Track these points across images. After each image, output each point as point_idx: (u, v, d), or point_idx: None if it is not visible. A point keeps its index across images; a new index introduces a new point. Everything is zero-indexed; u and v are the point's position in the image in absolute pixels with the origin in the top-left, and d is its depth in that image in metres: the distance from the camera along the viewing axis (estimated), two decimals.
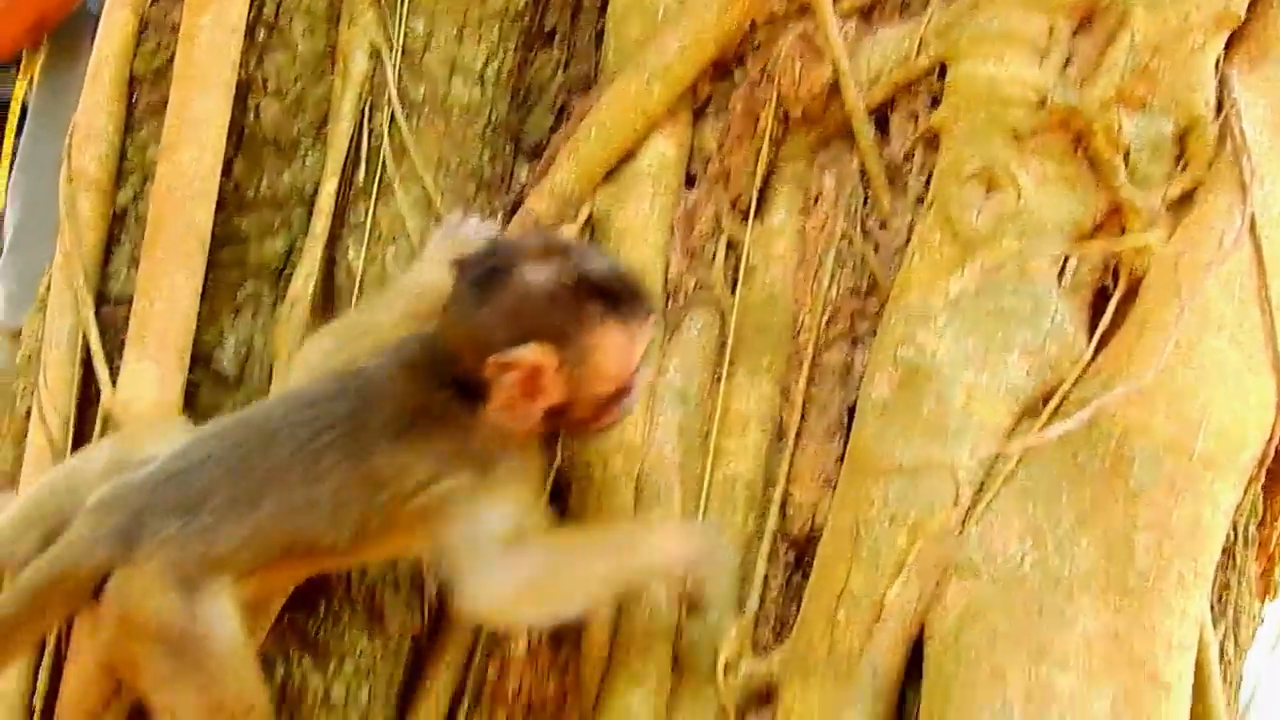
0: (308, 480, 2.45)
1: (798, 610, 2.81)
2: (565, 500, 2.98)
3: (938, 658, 2.62)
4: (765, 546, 2.90)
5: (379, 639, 2.91)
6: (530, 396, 2.45)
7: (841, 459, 2.88)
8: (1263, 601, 3.10)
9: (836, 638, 2.67)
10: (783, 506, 2.92)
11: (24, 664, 2.80)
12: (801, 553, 2.89)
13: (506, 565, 2.44)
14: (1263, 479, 2.86)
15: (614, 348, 2.49)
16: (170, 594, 2.40)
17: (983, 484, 2.68)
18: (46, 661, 2.81)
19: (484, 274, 2.46)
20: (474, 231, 2.92)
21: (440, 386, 2.49)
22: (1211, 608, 2.75)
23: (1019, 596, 2.56)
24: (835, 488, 2.85)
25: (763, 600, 2.88)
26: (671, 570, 2.71)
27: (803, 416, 2.95)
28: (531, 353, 2.39)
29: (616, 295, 2.49)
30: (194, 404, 3.00)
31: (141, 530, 2.41)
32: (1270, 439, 2.67)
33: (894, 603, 2.66)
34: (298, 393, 2.58)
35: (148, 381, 2.89)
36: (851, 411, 2.90)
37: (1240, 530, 2.91)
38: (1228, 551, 2.85)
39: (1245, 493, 2.72)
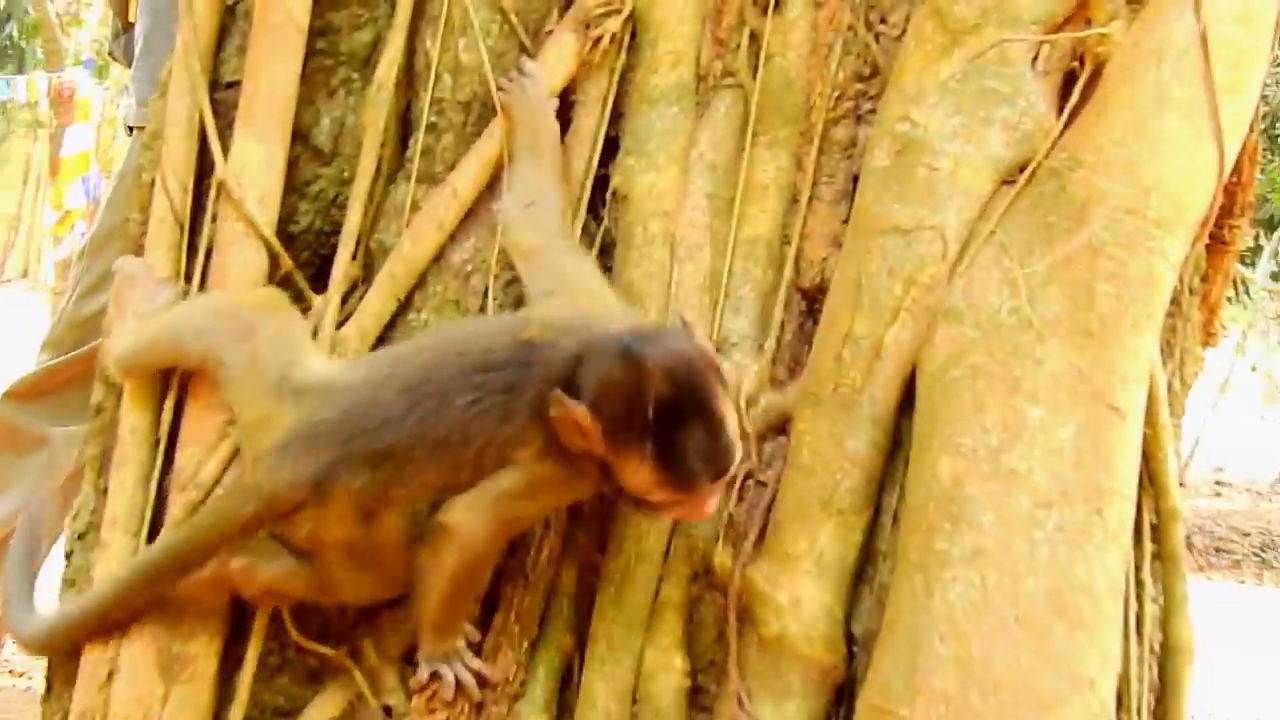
0: (463, 442, 2.80)
1: (809, 351, 3.14)
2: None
3: (927, 391, 2.98)
4: (781, 296, 3.22)
5: None
6: (580, 441, 2.70)
7: (847, 221, 3.19)
8: (1204, 346, 3.41)
9: (841, 374, 3.02)
10: (797, 262, 3.24)
11: None
12: (812, 302, 3.21)
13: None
14: (1205, 238, 3.19)
15: (643, 483, 2.73)
16: (355, 525, 2.85)
17: (967, 241, 3.00)
18: None
19: (627, 356, 2.69)
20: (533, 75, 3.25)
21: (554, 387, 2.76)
22: (1161, 349, 3.09)
23: (997, 339, 2.90)
24: (841, 245, 3.16)
25: (779, 343, 3.21)
26: None
27: (814, 184, 3.25)
28: (576, 409, 2.67)
29: (673, 459, 2.69)
30: (295, 175, 3.35)
31: (335, 480, 2.80)
32: (1212, 202, 2.97)
33: (890, 344, 2.99)
34: (470, 350, 2.85)
35: (255, 155, 3.22)
36: (856, 179, 3.19)
37: (1185, 282, 3.21)
38: (1175, 300, 3.14)
39: (1191, 248, 3.03)
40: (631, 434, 2.67)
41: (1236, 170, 3.43)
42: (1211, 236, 3.32)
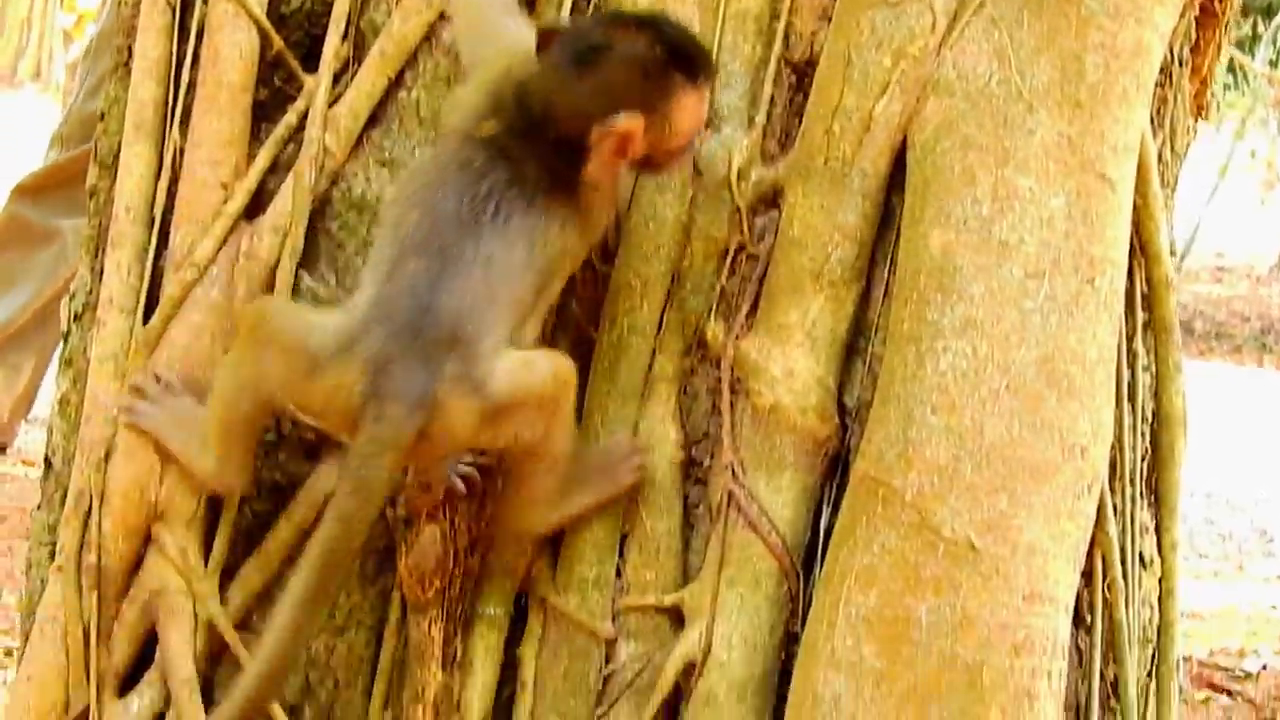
0: (510, 246, 2.80)
1: (799, 125, 3.14)
2: None
3: (918, 164, 2.99)
4: (771, 70, 3.19)
5: None
6: (621, 156, 2.80)
7: None
8: (1195, 118, 3.42)
9: (832, 148, 3.02)
10: (786, 36, 3.20)
11: None
12: (802, 76, 3.19)
13: None
14: (1197, 9, 3.19)
15: (691, 110, 2.83)
16: (474, 408, 2.77)
17: (956, 13, 2.98)
18: None
19: (584, 50, 2.77)
20: None
21: (548, 151, 2.82)
22: (1152, 120, 3.11)
23: (987, 110, 2.90)
24: (831, 19, 3.13)
25: (769, 117, 3.19)
26: None
27: None
28: (625, 121, 2.73)
29: (695, 65, 2.82)
30: None
31: (431, 388, 2.71)
32: None
33: (880, 116, 2.99)
34: (451, 168, 2.85)
35: None
36: None
37: (1175, 53, 3.22)
38: (1165, 71, 3.15)
39: (1181, 18, 3.05)
40: (660, 88, 2.80)
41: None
42: (1201, 7, 3.33)
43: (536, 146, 2.84)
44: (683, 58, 2.81)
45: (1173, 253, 3.26)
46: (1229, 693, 6.42)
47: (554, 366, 2.90)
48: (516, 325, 2.87)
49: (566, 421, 2.95)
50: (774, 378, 3.03)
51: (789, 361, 3.03)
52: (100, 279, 3.24)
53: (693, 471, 3.20)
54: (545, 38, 2.86)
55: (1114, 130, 2.91)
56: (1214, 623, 7.30)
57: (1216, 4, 3.41)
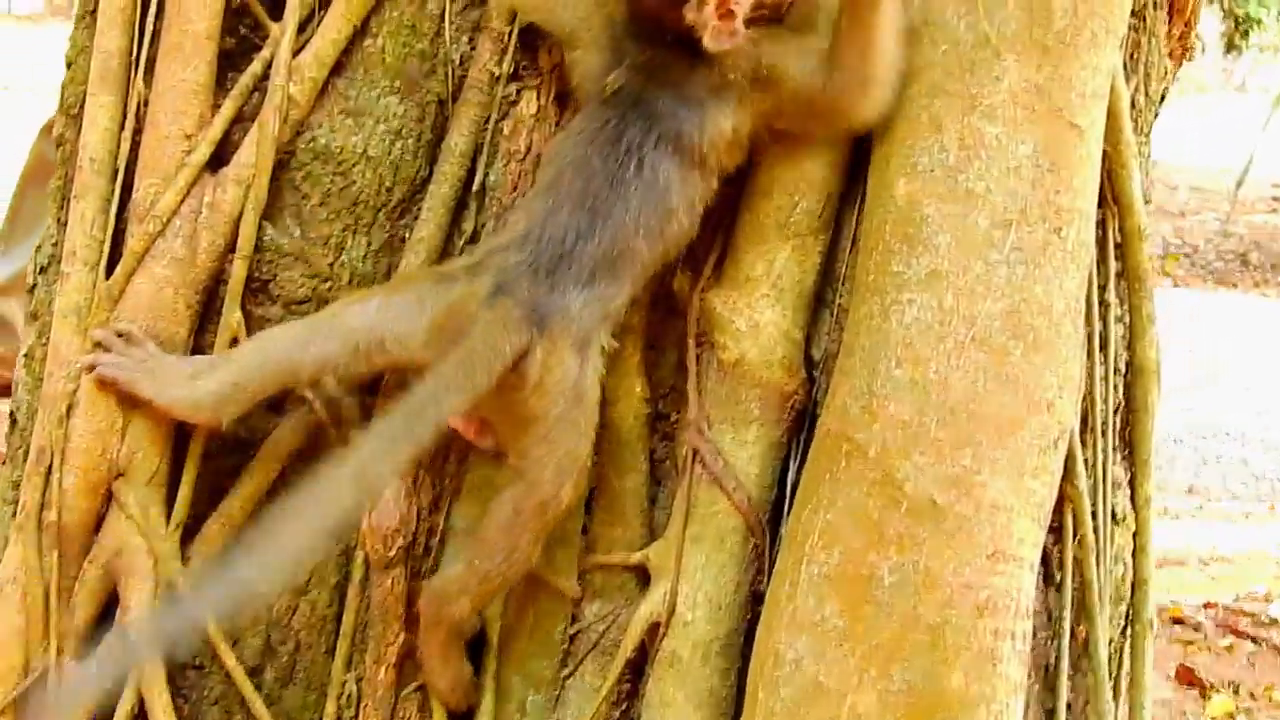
0: (654, 196, 2.82)
1: None
2: None
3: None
4: None
5: (410, 103, 3.21)
6: (729, 16, 2.73)
7: None
8: (1181, 60, 3.37)
9: None
10: None
11: None
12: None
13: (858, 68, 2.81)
14: None
15: None
16: (574, 358, 2.80)
17: None
18: None
19: None
20: None
21: (667, 56, 2.83)
22: (1124, 65, 3.05)
23: (953, 56, 2.84)
24: None
25: None
26: None
27: None
28: None
29: None
30: None
31: (549, 313, 2.75)
32: None
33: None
34: (592, 132, 2.88)
35: None
36: None
37: None
38: (1138, 14, 3.11)
39: None
40: None
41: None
42: None
43: (661, 69, 2.86)
44: None
45: (1147, 200, 3.20)
46: (1254, 639, 6.34)
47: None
48: (641, 287, 2.94)
49: (579, 480, 2.95)
50: (739, 331, 3.00)
51: (754, 314, 3.00)
52: (65, 231, 3.19)
53: (660, 426, 3.19)
54: None
55: (1082, 76, 2.84)
56: (1242, 566, 7.22)
57: None
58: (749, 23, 2.79)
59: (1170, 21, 3.24)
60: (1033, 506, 2.79)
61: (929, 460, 2.74)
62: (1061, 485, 2.98)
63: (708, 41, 2.76)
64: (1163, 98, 3.32)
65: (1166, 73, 3.30)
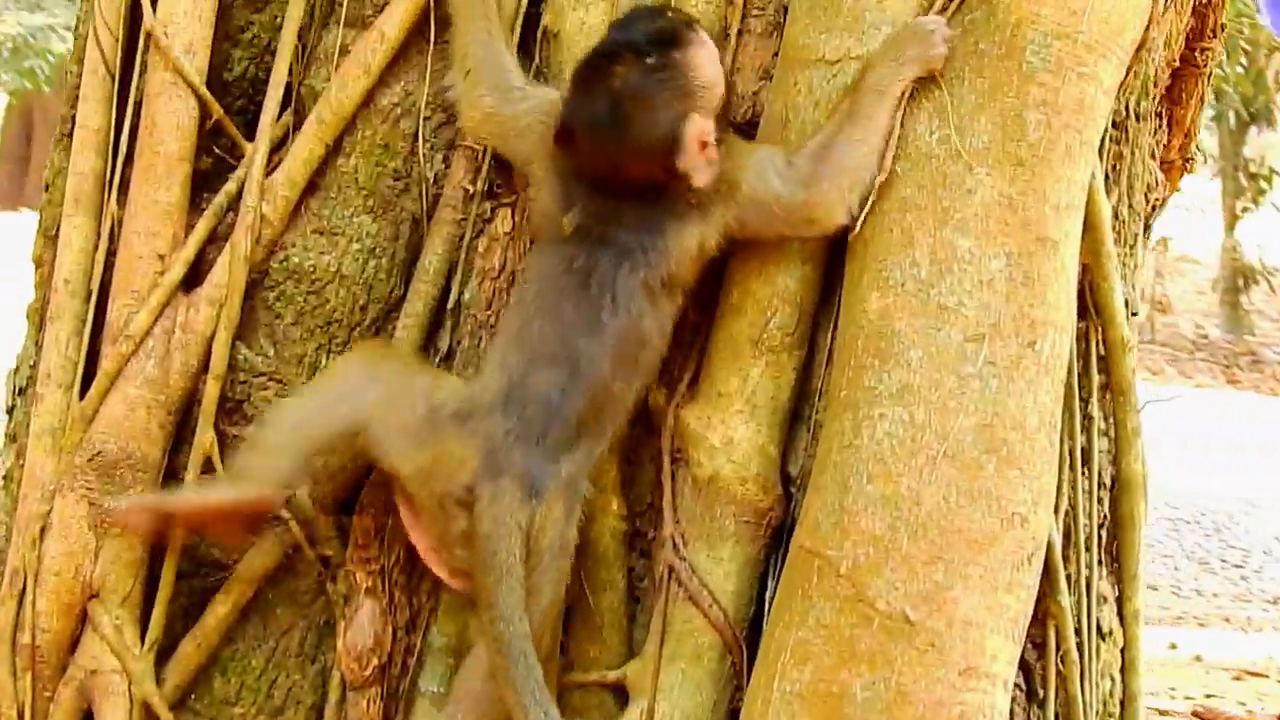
0: (630, 331, 2.84)
1: None
2: None
3: (855, 222, 2.89)
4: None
5: (383, 221, 3.22)
6: (705, 149, 2.79)
7: (778, 54, 3.10)
8: (1179, 174, 3.36)
9: None
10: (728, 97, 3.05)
11: None
12: (746, 137, 3.06)
13: (820, 172, 2.82)
14: (1177, 60, 3.12)
15: (711, 60, 2.87)
16: (562, 513, 2.81)
17: None
18: None
19: (603, 112, 2.81)
20: None
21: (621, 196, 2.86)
22: (1106, 177, 3.05)
23: (926, 170, 2.83)
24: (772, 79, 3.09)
25: None
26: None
27: (744, 16, 3.14)
28: (692, 128, 2.77)
29: (685, 27, 2.86)
30: (228, 22, 3.29)
31: (544, 483, 2.77)
32: (1148, 24, 2.89)
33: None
34: (558, 273, 2.88)
35: (182, 3, 3.16)
36: (787, 11, 3.09)
37: (1131, 108, 3.16)
38: (1120, 126, 3.11)
39: (1129, 74, 2.95)
40: (679, 71, 2.84)
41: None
42: (1184, 59, 3.27)
43: (615, 207, 2.86)
44: (671, 33, 2.85)
45: (1134, 313, 3.17)
46: None
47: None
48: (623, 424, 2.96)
49: (557, 624, 3.00)
50: (714, 447, 2.97)
51: (729, 430, 2.97)
52: (41, 352, 3.21)
53: (638, 543, 3.15)
54: (561, 135, 2.86)
55: (1056, 189, 2.82)
56: None
57: (1199, 55, 3.35)
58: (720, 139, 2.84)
59: (1170, 133, 3.22)
60: (1007, 622, 2.75)
61: (901, 576, 2.71)
62: (1044, 600, 2.94)
63: (699, 181, 2.80)
64: (1157, 208, 3.29)
65: (1158, 184, 3.27)
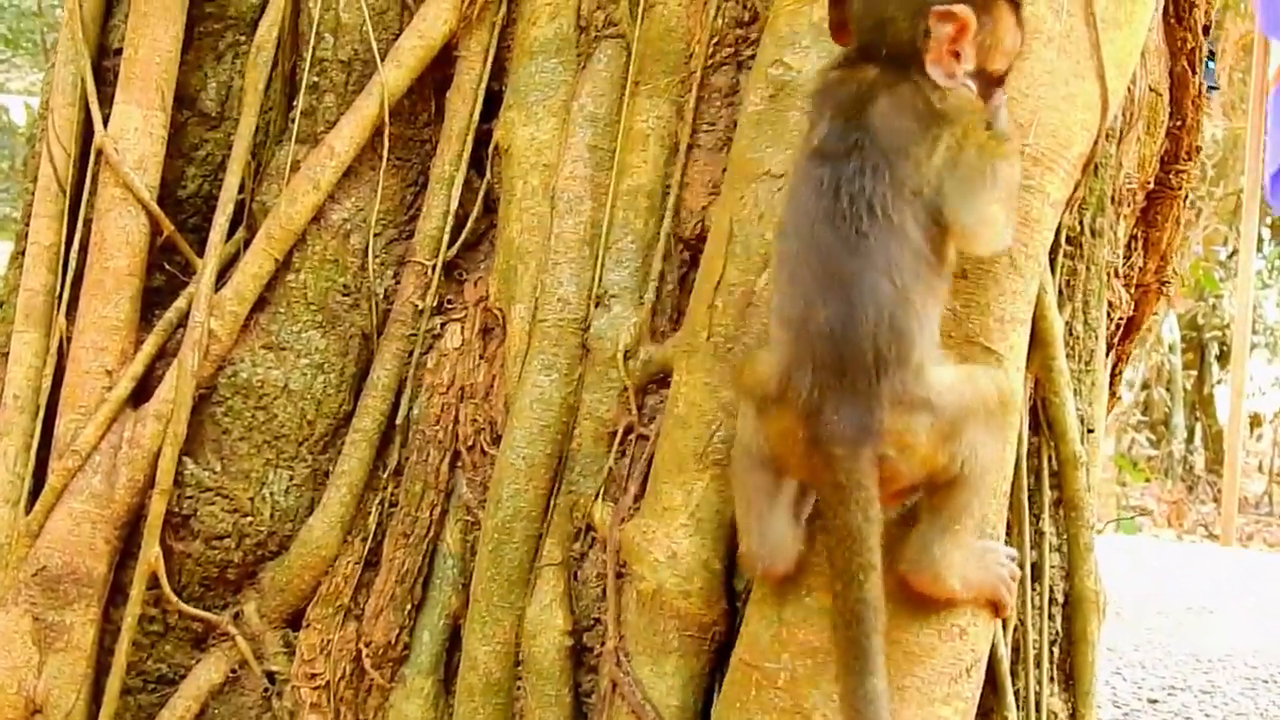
0: (901, 235, 2.55)
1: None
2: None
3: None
4: (661, 247, 3.17)
5: (332, 337, 3.24)
6: (954, 55, 2.59)
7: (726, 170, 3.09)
8: (1159, 295, 3.35)
9: (714, 323, 2.95)
10: (677, 212, 3.18)
11: None
12: (695, 252, 3.15)
13: (996, 191, 2.58)
14: (1152, 182, 3.12)
15: (1011, 29, 2.66)
16: (927, 424, 2.53)
17: None
18: None
19: None
20: None
21: (870, 69, 2.63)
22: (1060, 291, 3.04)
23: None
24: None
25: (660, 294, 3.16)
26: None
27: (694, 132, 3.19)
28: (962, 9, 2.55)
29: None
30: (182, 140, 3.35)
31: (870, 420, 2.49)
32: (1095, 139, 2.87)
33: (763, 291, 2.92)
34: (809, 195, 2.61)
35: (133, 120, 3.22)
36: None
37: (1086, 224, 3.14)
38: (1075, 241, 3.10)
39: (1079, 188, 2.94)
40: None
41: (1180, 115, 3.38)
42: (1159, 181, 3.27)
43: (874, 93, 2.63)
44: None
45: (1089, 429, 3.16)
46: None
47: (997, 381, 2.70)
48: (937, 322, 2.64)
49: (1004, 450, 2.78)
50: (657, 561, 2.95)
51: (672, 544, 2.95)
52: None
53: (585, 658, 3.11)
54: (836, 19, 2.74)
55: (1001, 302, 2.80)
56: None
57: (1174, 178, 3.36)
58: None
59: (1146, 255, 3.22)
60: None
61: (837, 689, 2.67)
62: (990, 716, 2.91)
63: (930, 57, 2.59)
64: (1121, 327, 3.28)
65: (1121, 302, 3.26)
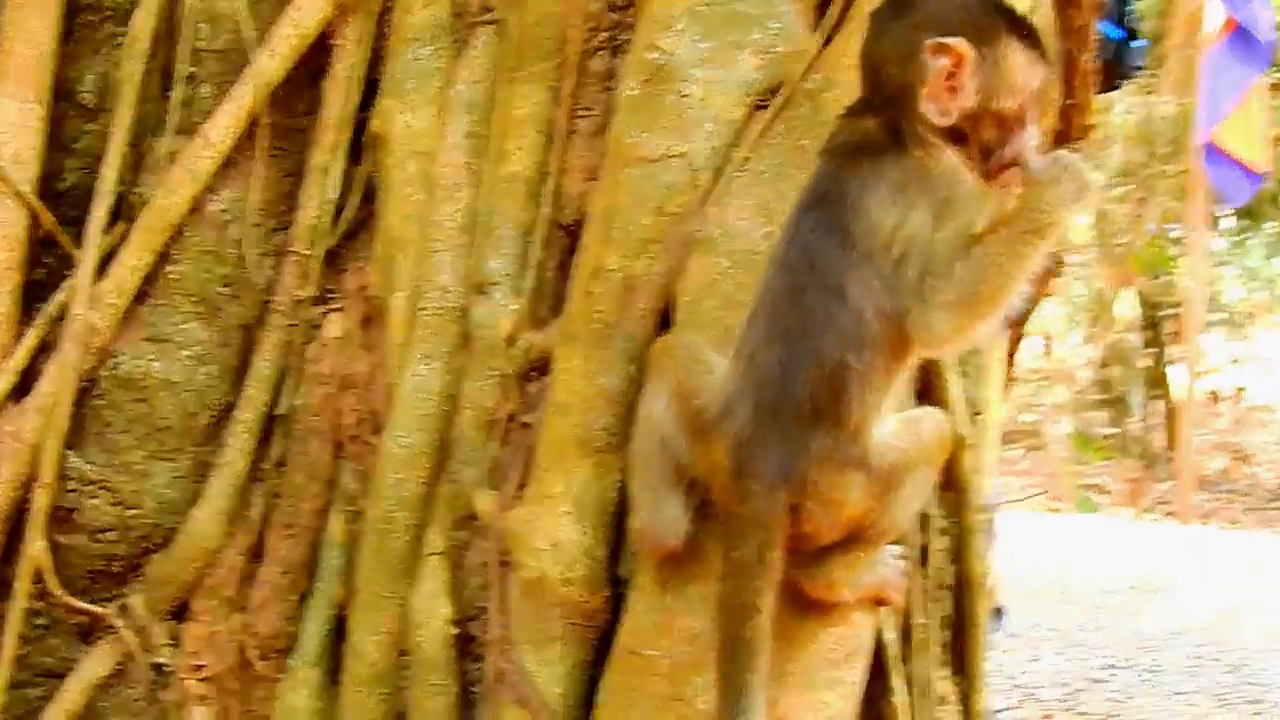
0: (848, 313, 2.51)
1: None
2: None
3: (682, 323, 2.89)
4: (540, 234, 3.15)
5: (213, 328, 3.24)
6: (952, 91, 2.52)
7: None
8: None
9: (593, 310, 2.94)
10: (556, 198, 3.16)
11: None
12: (575, 239, 3.12)
13: (949, 293, 2.46)
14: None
15: (1019, 66, 2.58)
16: (857, 480, 2.53)
17: (720, 169, 2.91)
18: None
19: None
20: None
21: (870, 118, 2.60)
22: None
23: (750, 268, 2.78)
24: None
25: (540, 281, 3.14)
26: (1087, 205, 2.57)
27: (571, 117, 3.17)
28: (958, 42, 2.51)
29: (1021, 24, 2.64)
30: (61, 132, 3.33)
31: (793, 467, 2.49)
32: None
33: (641, 277, 2.92)
34: (782, 255, 2.61)
35: (8, 113, 3.19)
36: None
37: None
38: None
39: None
40: (988, 28, 2.58)
41: (1071, 93, 3.37)
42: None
43: (862, 147, 2.61)
44: (1007, 13, 2.64)
45: (977, 412, 3.15)
46: None
47: (939, 425, 2.69)
48: (889, 382, 2.60)
49: (927, 489, 2.76)
50: (539, 549, 2.93)
51: (555, 532, 2.93)
52: None
53: (470, 647, 3.10)
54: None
55: None
56: None
57: None
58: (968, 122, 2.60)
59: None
60: None
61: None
62: (878, 701, 2.90)
63: (926, 92, 2.55)
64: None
65: None
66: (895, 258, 2.50)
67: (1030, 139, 2.61)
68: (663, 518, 2.73)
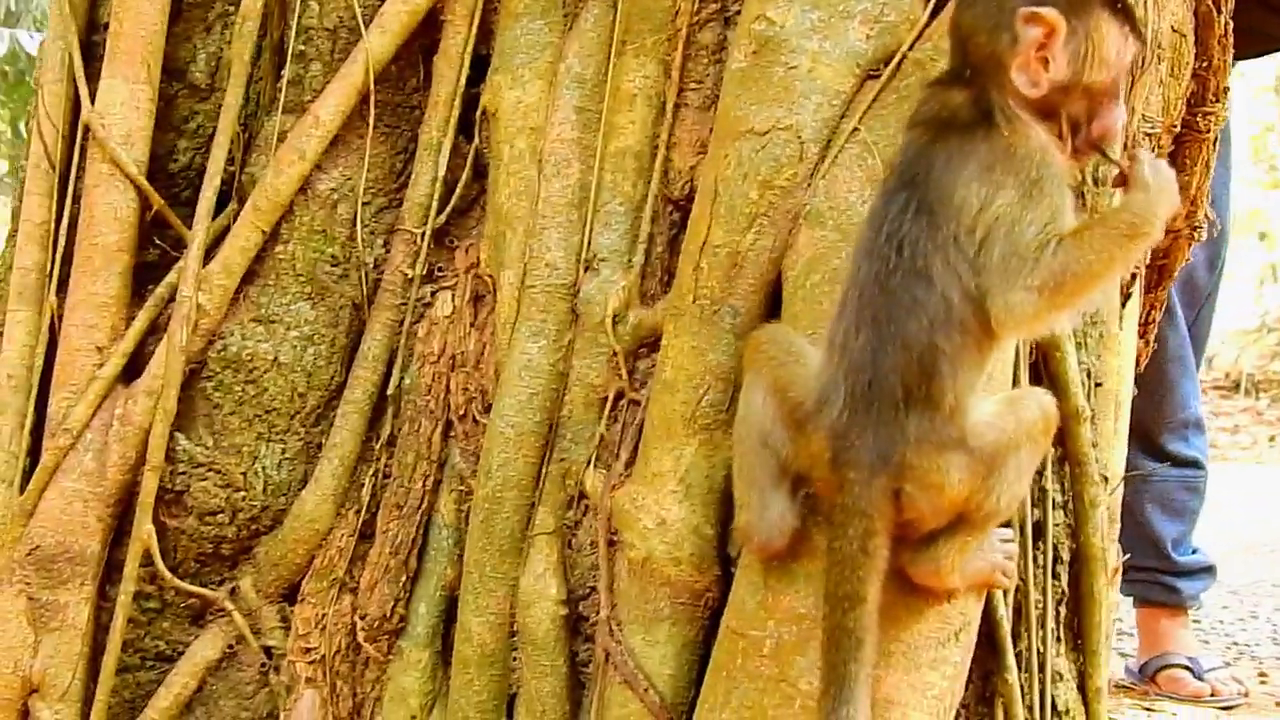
0: (933, 294, 2.47)
1: None
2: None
3: (790, 298, 2.84)
4: (649, 209, 3.13)
5: (322, 308, 3.23)
6: (1043, 62, 2.50)
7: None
8: (1190, 243, 3.26)
9: (700, 285, 2.89)
10: (665, 172, 3.13)
11: None
12: (684, 214, 3.09)
13: (1034, 277, 2.42)
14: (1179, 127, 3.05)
15: (1111, 39, 2.53)
16: (960, 463, 2.50)
17: (828, 141, 2.86)
18: None
19: None
20: None
21: (958, 90, 2.56)
22: None
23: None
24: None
25: (649, 256, 3.12)
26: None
27: (681, 90, 3.13)
28: (1050, 12, 2.47)
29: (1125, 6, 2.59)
30: (172, 113, 3.34)
31: (890, 452, 2.46)
32: None
33: (748, 252, 2.87)
34: (868, 240, 2.55)
35: (120, 94, 3.20)
36: None
37: (1088, 173, 2.96)
38: (1075, 191, 2.87)
39: None
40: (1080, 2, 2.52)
41: (1206, 55, 3.29)
42: (1186, 124, 3.21)
43: (950, 122, 2.56)
44: None
45: (1098, 383, 3.08)
46: None
47: (1042, 405, 2.63)
48: (984, 362, 2.56)
49: (1032, 469, 2.70)
50: (647, 528, 2.90)
51: (662, 510, 2.90)
52: None
53: (581, 628, 3.08)
54: None
55: None
56: None
57: (1201, 120, 3.28)
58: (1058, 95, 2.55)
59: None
60: (931, 700, 2.64)
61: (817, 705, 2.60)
62: (992, 678, 2.85)
63: (1016, 64, 2.50)
64: (1137, 277, 3.20)
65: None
66: (980, 238, 2.45)
67: (1120, 116, 2.57)
68: (768, 517, 2.69)
